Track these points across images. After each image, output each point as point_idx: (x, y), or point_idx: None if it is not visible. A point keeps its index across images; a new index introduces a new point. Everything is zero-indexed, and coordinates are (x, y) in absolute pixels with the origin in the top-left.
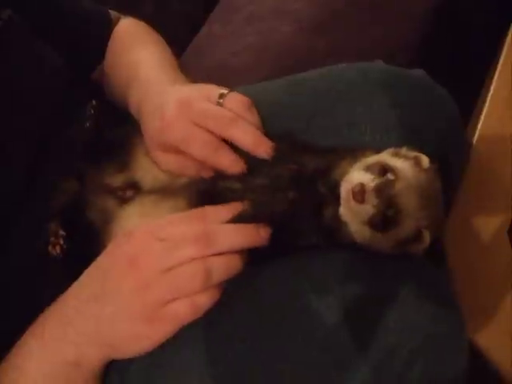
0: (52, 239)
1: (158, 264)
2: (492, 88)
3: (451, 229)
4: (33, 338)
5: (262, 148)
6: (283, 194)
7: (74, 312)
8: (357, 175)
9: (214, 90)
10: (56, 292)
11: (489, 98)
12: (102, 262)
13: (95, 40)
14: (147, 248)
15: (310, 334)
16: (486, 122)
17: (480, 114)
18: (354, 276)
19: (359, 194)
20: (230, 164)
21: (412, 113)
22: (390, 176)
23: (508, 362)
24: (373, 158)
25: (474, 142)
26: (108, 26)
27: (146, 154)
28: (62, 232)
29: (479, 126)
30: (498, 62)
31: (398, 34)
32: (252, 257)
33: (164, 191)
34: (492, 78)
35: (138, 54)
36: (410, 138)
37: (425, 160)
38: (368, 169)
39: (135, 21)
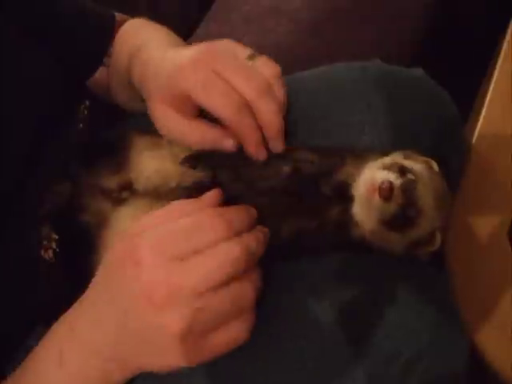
0: (44, 243)
1: (192, 295)
2: (492, 86)
3: (450, 230)
4: (50, 363)
5: (278, 136)
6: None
7: (106, 345)
8: (379, 173)
9: (241, 48)
10: (55, 295)
11: (488, 97)
12: (117, 297)
13: (95, 42)
14: (167, 279)
15: (306, 338)
16: (486, 121)
17: (479, 113)
18: (352, 279)
19: (387, 190)
20: (252, 134)
21: (410, 113)
22: (410, 176)
23: (508, 364)
24: (389, 159)
25: (474, 141)
26: (110, 29)
27: (139, 153)
28: (54, 235)
29: (479, 125)
30: (497, 60)
31: (396, 33)
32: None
33: (156, 193)
34: (492, 75)
35: (141, 36)
36: (408, 138)
37: (435, 164)
38: (388, 168)
39: (144, 19)
